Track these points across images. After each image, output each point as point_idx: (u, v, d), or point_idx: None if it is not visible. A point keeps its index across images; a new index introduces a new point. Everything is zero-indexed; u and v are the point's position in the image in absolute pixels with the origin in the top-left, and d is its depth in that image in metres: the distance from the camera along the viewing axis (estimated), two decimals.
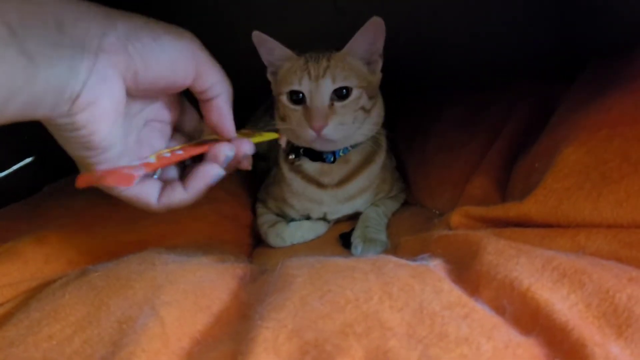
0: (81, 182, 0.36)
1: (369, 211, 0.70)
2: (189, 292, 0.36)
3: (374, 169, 0.70)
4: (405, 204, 0.78)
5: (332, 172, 0.68)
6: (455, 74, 0.95)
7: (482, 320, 0.28)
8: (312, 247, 0.68)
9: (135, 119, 0.40)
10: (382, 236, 0.64)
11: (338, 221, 0.73)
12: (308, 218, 0.72)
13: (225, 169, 0.41)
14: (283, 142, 0.63)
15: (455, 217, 0.50)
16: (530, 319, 0.29)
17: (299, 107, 0.60)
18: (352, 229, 0.67)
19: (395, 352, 0.26)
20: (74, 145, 0.34)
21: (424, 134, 0.82)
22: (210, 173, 0.40)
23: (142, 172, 0.37)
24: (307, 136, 0.59)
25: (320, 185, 0.68)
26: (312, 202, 0.70)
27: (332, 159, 0.66)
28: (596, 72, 0.60)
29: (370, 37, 0.60)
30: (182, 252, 0.47)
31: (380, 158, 0.71)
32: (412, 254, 0.40)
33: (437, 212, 0.66)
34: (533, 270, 0.32)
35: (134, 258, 0.43)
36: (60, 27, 0.30)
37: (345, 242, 0.65)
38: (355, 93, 0.60)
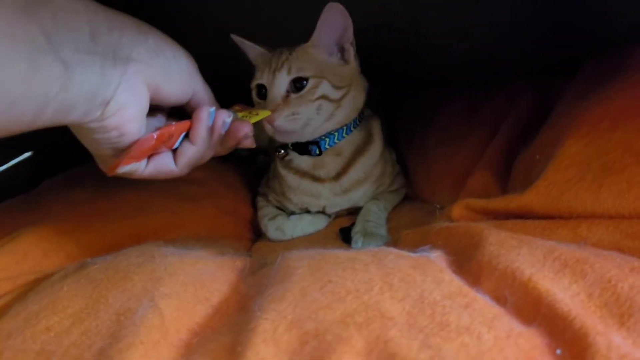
0: (112, 170, 0.37)
1: (370, 205, 0.69)
2: (188, 284, 0.36)
3: (369, 159, 0.69)
4: (406, 198, 0.77)
5: (326, 165, 0.67)
6: (456, 70, 0.94)
7: (483, 310, 0.28)
8: (311, 241, 0.67)
9: None
10: (382, 230, 0.64)
11: (338, 216, 0.73)
12: (308, 211, 0.72)
13: (227, 147, 0.44)
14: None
15: (457, 210, 0.50)
16: (532, 309, 0.29)
17: (262, 102, 0.61)
18: (352, 224, 0.67)
19: (396, 342, 0.26)
20: (104, 145, 0.36)
21: (424, 128, 0.82)
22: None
23: (154, 136, 0.38)
24: (267, 129, 0.59)
25: (316, 178, 0.68)
26: (309, 195, 0.69)
27: (317, 151, 0.64)
28: (597, 64, 0.60)
29: (331, 24, 0.58)
30: (181, 245, 0.47)
31: (375, 148, 0.69)
32: (413, 247, 0.40)
33: (438, 206, 0.66)
34: (534, 260, 0.32)
35: (133, 251, 0.43)
36: (95, 35, 0.32)
37: (345, 236, 0.65)
38: (310, 83, 0.59)
